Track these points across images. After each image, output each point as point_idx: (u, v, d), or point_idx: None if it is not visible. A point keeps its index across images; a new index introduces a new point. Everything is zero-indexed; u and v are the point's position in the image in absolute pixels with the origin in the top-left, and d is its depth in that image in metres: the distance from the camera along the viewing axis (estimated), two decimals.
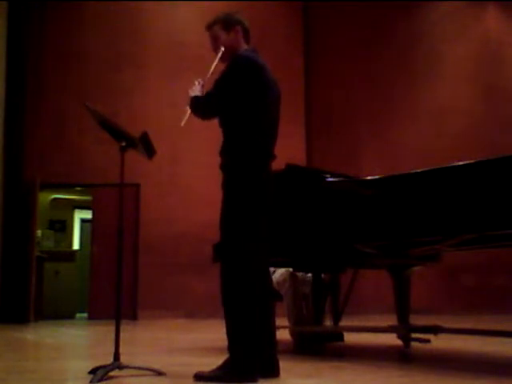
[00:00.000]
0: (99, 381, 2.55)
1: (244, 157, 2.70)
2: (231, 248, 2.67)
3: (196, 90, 2.87)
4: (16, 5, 9.02)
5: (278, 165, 3.60)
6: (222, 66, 2.83)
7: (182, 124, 2.80)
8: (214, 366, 2.58)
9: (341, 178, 3.71)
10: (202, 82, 2.91)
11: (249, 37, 2.98)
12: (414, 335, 3.78)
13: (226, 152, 2.77)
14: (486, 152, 3.97)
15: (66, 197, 11.61)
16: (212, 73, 2.87)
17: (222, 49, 2.88)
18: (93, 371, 2.71)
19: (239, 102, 2.72)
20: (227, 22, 2.93)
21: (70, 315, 9.53)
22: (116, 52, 9.52)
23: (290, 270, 4.27)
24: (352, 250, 3.42)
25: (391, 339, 4.12)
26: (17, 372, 3.02)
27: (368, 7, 10.31)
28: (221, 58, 2.88)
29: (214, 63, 2.88)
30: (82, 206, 11.59)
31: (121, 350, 2.80)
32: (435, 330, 3.50)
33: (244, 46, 2.92)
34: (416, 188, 3.01)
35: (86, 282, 9.32)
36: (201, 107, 2.83)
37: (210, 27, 2.97)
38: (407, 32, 10.36)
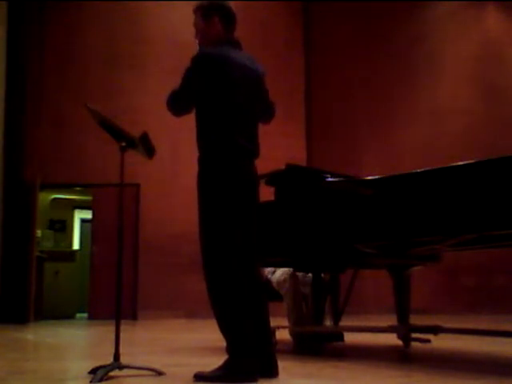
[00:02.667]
0: (99, 381, 2.55)
1: (211, 155, 2.72)
2: (210, 254, 2.67)
3: None
4: (16, 5, 9.02)
5: (278, 165, 3.60)
6: None
7: None
8: (214, 366, 2.58)
9: (341, 178, 3.71)
10: None
11: (231, 24, 2.90)
12: (414, 335, 3.78)
13: (198, 149, 2.78)
14: (486, 152, 3.97)
15: (66, 197, 11.62)
16: None
17: (197, 41, 2.91)
18: (93, 371, 2.71)
19: (201, 98, 2.73)
20: (207, 11, 2.88)
21: (70, 315, 9.53)
22: (116, 52, 9.53)
23: (290, 269, 4.27)
24: (352, 250, 3.42)
25: (391, 339, 4.12)
26: (17, 372, 3.01)
27: (368, 7, 10.31)
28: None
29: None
30: (82, 206, 11.59)
31: (121, 350, 2.80)
32: (435, 329, 3.50)
33: (221, 36, 2.86)
34: (416, 188, 3.01)
35: (86, 282, 9.32)
36: (169, 102, 2.84)
37: (195, 11, 2.95)
38: (407, 32, 10.36)
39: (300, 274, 4.32)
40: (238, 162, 2.73)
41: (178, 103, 2.83)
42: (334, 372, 2.92)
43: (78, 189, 10.89)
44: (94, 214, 9.22)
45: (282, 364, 2.74)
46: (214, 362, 2.68)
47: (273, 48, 9.94)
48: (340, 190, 3.43)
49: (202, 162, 2.77)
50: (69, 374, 3.12)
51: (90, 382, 2.53)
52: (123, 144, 2.95)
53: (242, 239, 2.71)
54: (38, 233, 9.24)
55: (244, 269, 2.67)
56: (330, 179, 3.61)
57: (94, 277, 8.96)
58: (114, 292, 3.01)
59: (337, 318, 4.14)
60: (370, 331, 4.66)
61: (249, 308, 2.61)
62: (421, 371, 2.95)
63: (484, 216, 2.70)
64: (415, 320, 3.89)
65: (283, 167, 3.65)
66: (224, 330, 2.62)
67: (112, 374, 2.69)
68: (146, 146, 2.96)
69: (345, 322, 4.30)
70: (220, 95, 2.71)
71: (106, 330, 6.12)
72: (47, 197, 11.18)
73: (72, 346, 5.10)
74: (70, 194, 11.57)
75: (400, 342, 3.93)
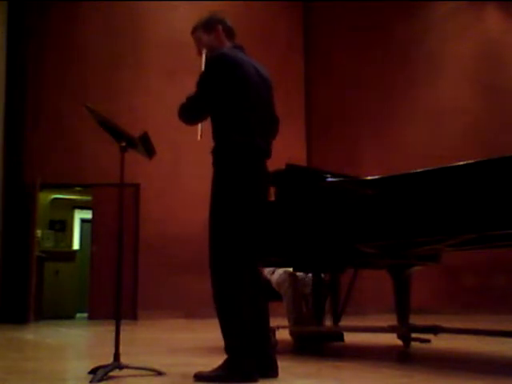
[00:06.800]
0: (99, 381, 2.55)
1: (230, 155, 2.69)
2: (218, 250, 2.66)
3: None
4: (16, 4, 9.02)
5: (278, 165, 3.60)
6: None
7: (199, 138, 2.84)
8: (214, 366, 2.58)
9: (341, 178, 3.71)
10: None
11: (233, 34, 2.98)
12: (414, 335, 3.78)
13: (215, 152, 2.76)
14: (486, 152, 3.96)
15: (66, 197, 11.62)
16: None
17: (205, 51, 2.91)
18: (93, 371, 2.72)
19: (219, 99, 2.72)
20: (207, 24, 2.96)
21: (70, 315, 9.53)
22: (116, 52, 9.52)
23: (290, 269, 4.27)
24: (352, 250, 3.42)
25: (391, 339, 4.12)
26: (17, 372, 3.02)
27: (368, 7, 10.31)
28: (205, 59, 2.89)
29: (202, 66, 2.88)
30: (82, 206, 11.60)
31: (121, 350, 2.80)
32: (435, 329, 3.50)
33: (227, 44, 2.92)
34: (416, 188, 3.01)
35: (86, 281, 9.32)
36: (184, 111, 2.81)
37: (193, 32, 3.00)
38: (407, 32, 10.35)
39: (300, 274, 4.31)
40: (255, 162, 2.74)
41: (195, 110, 2.80)
42: (334, 372, 2.92)
43: (78, 189, 10.89)
44: (93, 214, 9.22)
45: (282, 364, 2.74)
46: (214, 361, 2.68)
47: (273, 48, 9.93)
48: (340, 189, 3.43)
49: (218, 160, 2.73)
50: (69, 374, 3.12)
51: (90, 382, 2.53)
52: (123, 144, 2.96)
53: (251, 239, 2.72)
54: (38, 233, 9.24)
55: (249, 268, 2.68)
56: (330, 179, 3.61)
57: (93, 277, 8.96)
58: (114, 292, 3.01)
59: (337, 318, 4.14)
60: (370, 331, 4.67)
61: (250, 308, 2.62)
62: (421, 371, 2.95)
63: (484, 216, 2.70)
64: (415, 320, 3.89)
65: (283, 167, 3.65)
66: (224, 328, 2.62)
67: (112, 373, 2.69)
68: (146, 145, 2.96)
69: (345, 322, 4.30)
70: (238, 94, 2.71)
71: (105, 330, 6.12)
72: (47, 197, 11.18)
73: (72, 346, 5.10)
74: (69, 194, 11.58)
75: (400, 342, 3.93)
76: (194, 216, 8.99)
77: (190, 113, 2.82)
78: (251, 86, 2.76)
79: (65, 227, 11.74)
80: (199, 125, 2.87)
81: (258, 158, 2.76)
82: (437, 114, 9.95)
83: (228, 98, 2.71)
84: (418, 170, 3.00)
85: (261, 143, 2.76)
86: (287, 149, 9.67)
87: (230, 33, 2.97)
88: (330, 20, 10.55)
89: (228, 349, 2.59)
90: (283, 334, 4.15)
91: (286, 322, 4.22)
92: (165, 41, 9.57)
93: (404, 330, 3.73)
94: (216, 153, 2.75)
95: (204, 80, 2.75)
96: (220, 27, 2.94)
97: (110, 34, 9.54)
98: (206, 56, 2.88)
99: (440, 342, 4.01)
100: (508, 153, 2.68)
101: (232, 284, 2.60)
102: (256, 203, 2.72)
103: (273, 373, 2.65)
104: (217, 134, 2.77)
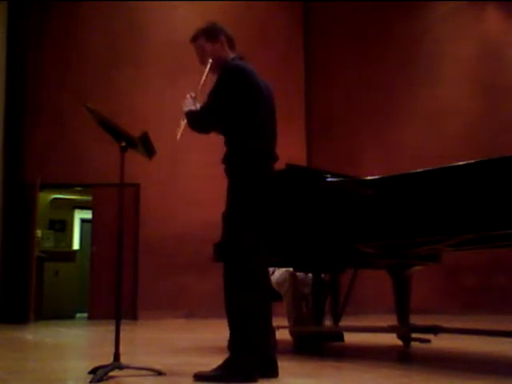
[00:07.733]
0: (99, 381, 2.55)
1: (246, 161, 2.74)
2: (233, 249, 2.69)
3: (189, 104, 2.89)
4: (16, 5, 9.02)
5: (278, 165, 3.60)
6: (213, 77, 2.87)
7: (178, 137, 2.87)
8: (214, 366, 2.58)
9: (341, 178, 3.71)
10: (193, 95, 2.92)
11: (234, 44, 3.01)
12: (414, 335, 3.78)
13: (228, 158, 2.79)
14: (486, 152, 3.96)
15: (66, 197, 11.62)
16: (203, 84, 2.89)
17: (210, 60, 2.91)
18: (93, 371, 2.72)
19: (234, 109, 2.75)
20: (211, 33, 2.96)
21: (70, 315, 9.52)
22: (116, 52, 9.53)
23: (290, 269, 4.27)
24: (352, 250, 3.42)
25: (391, 339, 4.12)
26: (17, 372, 3.02)
27: (368, 7, 10.31)
28: (210, 68, 2.90)
29: (204, 75, 2.90)
30: (82, 206, 11.59)
31: (121, 350, 2.80)
32: (435, 329, 3.51)
33: (230, 54, 2.95)
34: (416, 188, 3.01)
35: (86, 281, 9.32)
36: (198, 121, 2.85)
37: (194, 40, 3.00)
38: (407, 32, 10.35)
39: (300, 274, 4.32)
40: (268, 167, 2.82)
41: (211, 119, 2.84)
42: (334, 372, 2.92)
43: (78, 189, 10.88)
44: (93, 214, 9.23)
45: (282, 364, 2.74)
46: (214, 361, 2.68)
47: (273, 48, 9.93)
48: (340, 189, 3.43)
49: (234, 167, 2.77)
50: (69, 374, 3.12)
51: (90, 382, 2.54)
52: (123, 144, 2.96)
53: (263, 239, 2.76)
54: (38, 233, 9.24)
55: (260, 269, 2.71)
56: (330, 179, 3.61)
57: (93, 277, 8.96)
58: (114, 292, 3.01)
59: (337, 318, 4.14)
60: (370, 331, 4.67)
61: (257, 308, 2.63)
62: (421, 371, 2.95)
63: (484, 216, 2.70)
64: (415, 320, 3.89)
65: (283, 167, 3.65)
66: (231, 324, 2.64)
67: (112, 374, 2.69)
68: (146, 145, 2.96)
69: (345, 322, 4.30)
70: (254, 102, 2.77)
71: (105, 330, 6.12)
72: (47, 197, 11.18)
73: (72, 346, 5.10)
74: (70, 193, 11.57)
75: (400, 342, 3.93)
76: (194, 216, 9.01)
77: (205, 122, 2.86)
78: (263, 95, 2.83)
79: (65, 227, 11.73)
80: (181, 125, 2.89)
81: (271, 162, 2.84)
82: (437, 113, 9.95)
83: (244, 106, 2.75)
84: (418, 170, 3.00)
85: (273, 148, 2.86)
86: (287, 149, 9.63)
87: (231, 43, 3.00)
88: (330, 20, 10.55)
89: (230, 345, 2.60)
90: (283, 334, 4.15)
91: (286, 322, 4.22)
92: (165, 41, 9.57)
93: (404, 330, 3.73)
94: (230, 159, 2.77)
95: (220, 90, 2.77)
96: (223, 37, 2.96)
97: (110, 33, 9.54)
98: (212, 66, 2.89)
99: (440, 342, 4.01)
100: (508, 153, 2.68)
101: (243, 282, 2.63)
102: (268, 207, 2.78)
103: (273, 373, 2.66)
104: (231, 141, 2.80)
